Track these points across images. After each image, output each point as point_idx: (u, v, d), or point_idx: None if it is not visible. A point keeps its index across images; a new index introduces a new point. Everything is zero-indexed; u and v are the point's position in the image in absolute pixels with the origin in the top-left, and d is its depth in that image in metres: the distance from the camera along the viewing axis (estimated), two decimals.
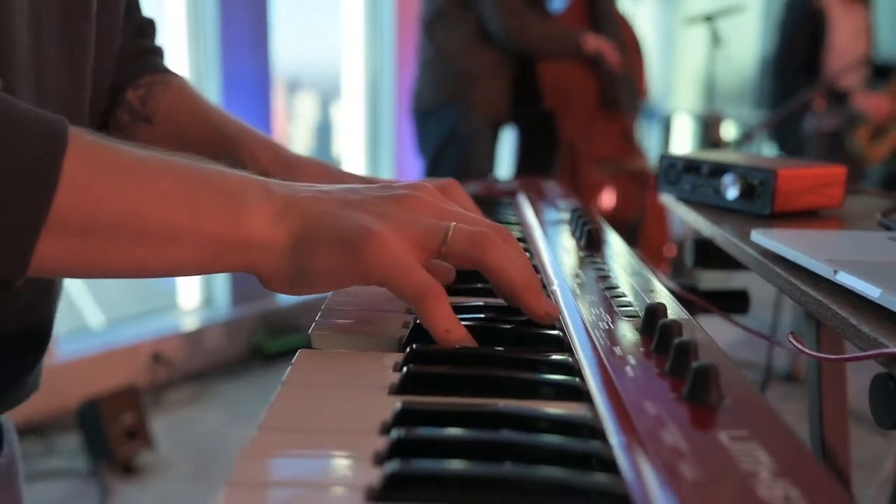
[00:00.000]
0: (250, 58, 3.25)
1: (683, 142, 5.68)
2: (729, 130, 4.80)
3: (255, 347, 3.22)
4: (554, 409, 0.40)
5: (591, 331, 0.48)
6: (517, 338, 0.48)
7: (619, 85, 2.86)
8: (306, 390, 0.42)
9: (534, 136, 2.97)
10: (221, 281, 3.29)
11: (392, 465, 0.32)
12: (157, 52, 0.80)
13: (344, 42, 4.05)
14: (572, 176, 2.87)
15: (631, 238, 2.81)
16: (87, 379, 2.62)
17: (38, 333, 0.63)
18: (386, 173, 4.11)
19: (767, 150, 4.18)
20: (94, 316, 3.26)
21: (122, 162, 0.46)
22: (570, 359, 0.45)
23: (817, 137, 3.03)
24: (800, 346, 0.52)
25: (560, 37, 2.76)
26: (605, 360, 0.43)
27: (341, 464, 0.34)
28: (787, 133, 3.36)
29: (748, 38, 5.55)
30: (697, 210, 0.88)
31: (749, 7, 5.18)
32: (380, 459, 0.33)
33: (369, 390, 0.42)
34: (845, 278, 0.54)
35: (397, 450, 0.34)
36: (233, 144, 0.72)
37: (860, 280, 0.52)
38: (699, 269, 0.90)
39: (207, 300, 3.36)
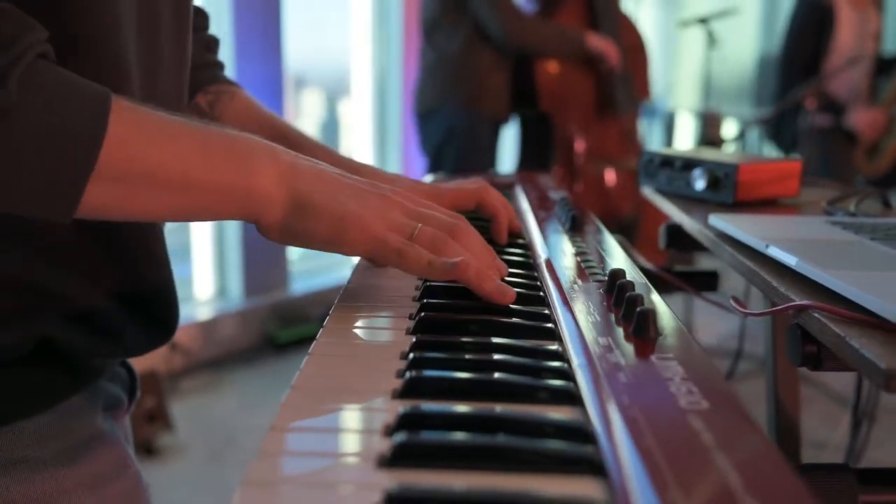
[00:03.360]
0: (262, 59, 3.37)
1: (685, 139, 5.79)
2: (730, 128, 4.91)
3: (267, 337, 3.34)
4: (535, 343, 0.52)
5: (566, 292, 0.61)
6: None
7: (618, 86, 2.96)
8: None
9: (533, 135, 3.07)
10: (235, 273, 3.42)
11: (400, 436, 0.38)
12: (221, 66, 0.92)
13: (352, 39, 4.16)
14: (570, 174, 2.98)
15: (629, 233, 2.91)
16: None
17: (166, 284, 0.73)
18: (393, 169, 4.23)
19: (765, 147, 4.28)
20: None
21: (154, 123, 0.55)
22: (546, 310, 0.58)
23: (808, 135, 3.13)
24: (736, 306, 0.65)
25: (561, 37, 2.85)
26: (574, 312, 0.56)
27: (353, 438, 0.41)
28: (783, 130, 3.46)
29: (747, 37, 5.66)
30: (671, 200, 1.01)
31: (745, 8, 5.29)
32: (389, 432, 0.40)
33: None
34: (773, 251, 0.66)
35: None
36: (295, 147, 0.83)
37: (783, 252, 0.65)
38: (672, 251, 1.02)
39: (221, 291, 3.49)
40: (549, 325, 0.55)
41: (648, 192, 1.08)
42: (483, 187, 0.79)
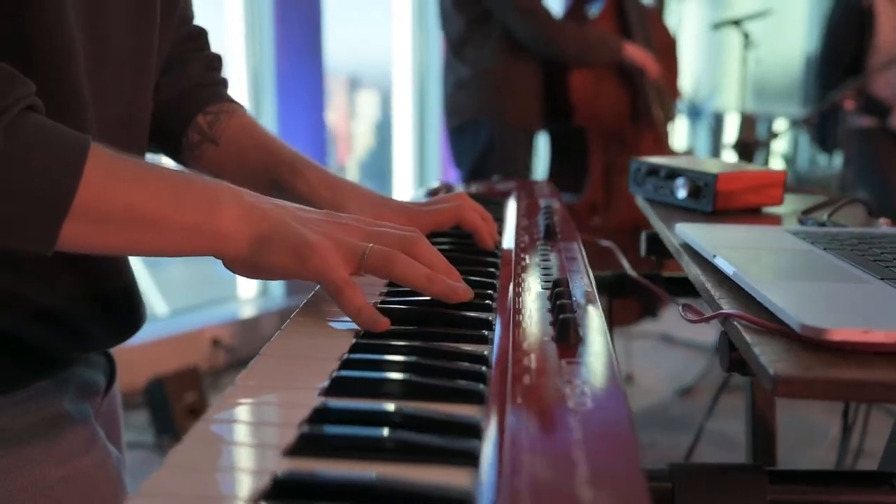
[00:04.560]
0: (304, 57, 3.46)
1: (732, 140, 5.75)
2: (778, 126, 4.85)
3: None
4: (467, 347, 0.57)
5: (512, 295, 0.65)
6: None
7: (653, 94, 2.95)
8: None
9: (566, 146, 3.08)
10: None
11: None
12: (224, 84, 0.97)
13: (394, 40, 4.23)
14: (605, 185, 2.98)
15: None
16: (154, 361, 2.87)
17: (125, 285, 0.81)
18: (433, 171, 4.29)
19: (810, 147, 4.23)
20: (158, 305, 3.53)
21: (129, 170, 0.61)
22: (490, 316, 0.62)
23: (850, 137, 3.09)
24: (684, 314, 0.68)
25: (599, 43, 2.81)
26: (509, 314, 0.60)
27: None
28: (826, 132, 3.42)
29: (795, 36, 5.59)
30: (656, 208, 1.04)
31: (793, 7, 5.22)
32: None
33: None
34: (718, 261, 0.70)
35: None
36: (286, 166, 0.87)
37: (725, 262, 0.68)
38: (653, 259, 1.05)
39: (264, 291, 3.60)
40: (485, 331, 0.60)
41: (639, 199, 1.11)
42: (459, 206, 0.84)
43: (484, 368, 0.52)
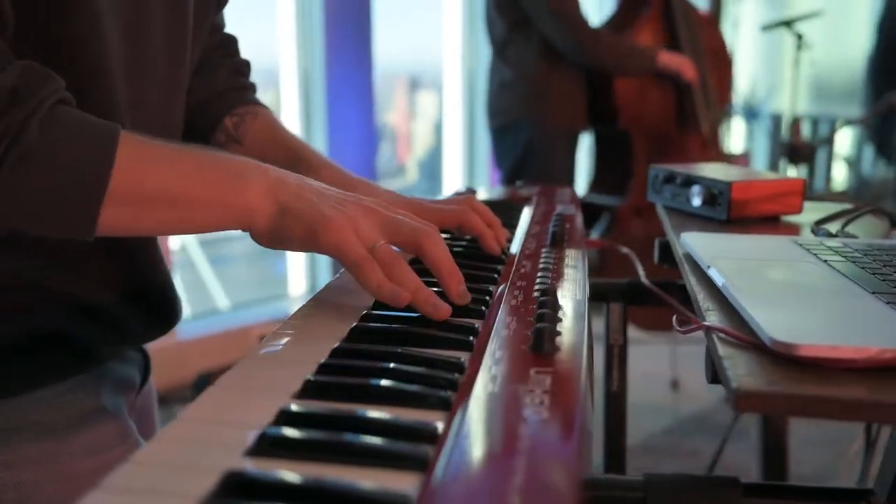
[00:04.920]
0: (354, 59, 3.50)
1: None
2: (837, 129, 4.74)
3: None
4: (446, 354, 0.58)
5: (505, 299, 0.66)
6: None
7: (698, 99, 2.93)
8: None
9: (611, 148, 3.07)
10: (325, 271, 3.58)
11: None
12: (251, 88, 1.01)
13: (445, 40, 4.26)
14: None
15: None
16: (203, 357, 2.94)
17: (163, 283, 0.85)
18: (482, 170, 4.30)
19: (868, 150, 4.12)
20: (221, 300, 3.64)
21: (158, 152, 0.65)
22: (477, 324, 0.64)
23: None
24: (675, 324, 0.69)
25: (632, 53, 2.82)
26: (494, 322, 0.62)
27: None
28: (884, 135, 3.35)
29: (857, 36, 5.44)
30: (673, 216, 1.04)
31: (857, 7, 5.09)
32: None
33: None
34: (711, 272, 0.70)
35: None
36: (304, 164, 0.90)
37: (716, 273, 0.68)
38: (666, 266, 1.05)
39: (312, 288, 3.66)
40: (471, 337, 0.61)
41: (658, 207, 1.11)
42: (464, 210, 0.85)
43: (457, 375, 0.54)
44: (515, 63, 2.79)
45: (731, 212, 0.98)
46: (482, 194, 1.25)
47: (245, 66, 1.02)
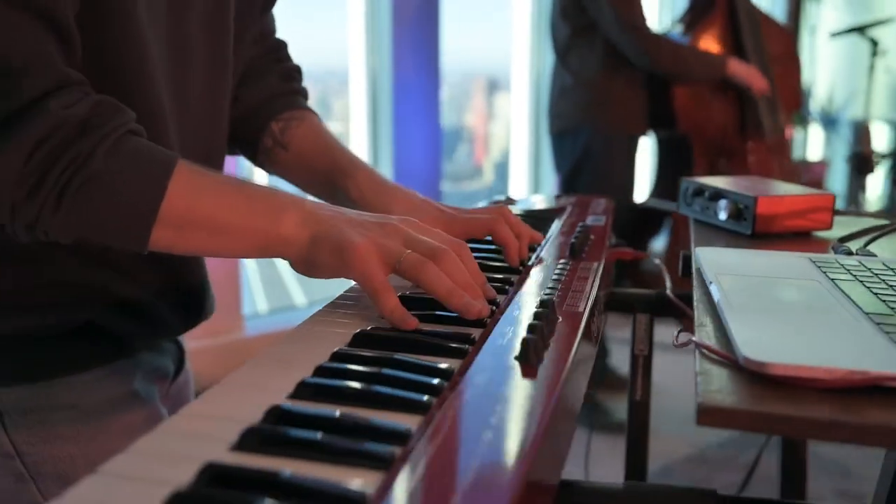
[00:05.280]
0: (421, 62, 3.56)
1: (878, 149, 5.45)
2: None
3: None
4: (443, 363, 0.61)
5: (510, 309, 0.69)
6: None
7: (762, 106, 2.89)
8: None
9: (671, 154, 3.05)
10: None
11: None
12: (300, 93, 1.06)
13: (514, 43, 4.29)
14: None
15: None
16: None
17: (198, 281, 0.92)
18: (547, 172, 4.31)
19: None
20: (298, 297, 3.76)
21: (207, 183, 0.72)
22: (473, 333, 0.67)
23: None
24: (674, 339, 0.70)
25: (700, 62, 2.81)
26: (489, 331, 0.65)
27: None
28: None
29: None
30: (700, 229, 1.05)
31: None
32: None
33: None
34: (711, 287, 0.71)
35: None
36: (340, 170, 0.96)
37: (716, 289, 0.70)
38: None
39: None
40: (465, 346, 0.64)
41: (690, 219, 1.12)
42: (495, 219, 0.88)
43: (438, 381, 0.57)
44: (576, 69, 2.81)
45: (756, 226, 0.98)
46: (520, 204, 1.28)
47: (295, 72, 1.07)
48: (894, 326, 0.61)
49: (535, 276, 0.83)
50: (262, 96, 1.01)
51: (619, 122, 2.83)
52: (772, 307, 0.67)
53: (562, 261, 0.88)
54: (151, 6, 0.77)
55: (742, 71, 2.81)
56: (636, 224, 3.05)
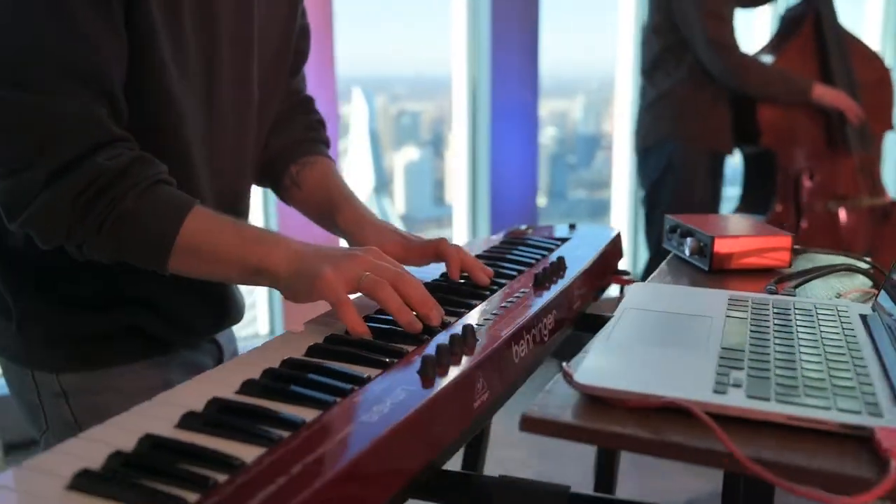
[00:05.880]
0: (520, 79, 3.71)
1: None
2: None
3: None
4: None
5: (449, 330, 0.85)
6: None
7: (850, 131, 2.87)
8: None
9: (757, 170, 3.07)
10: None
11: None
12: (320, 141, 1.26)
13: (618, 52, 4.37)
14: (794, 211, 2.94)
15: None
16: None
17: (224, 293, 1.13)
18: None
19: None
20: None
21: (215, 225, 0.91)
22: (409, 348, 0.83)
23: None
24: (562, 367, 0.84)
25: (786, 84, 2.83)
26: (425, 349, 0.81)
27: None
28: None
29: None
30: (673, 263, 1.16)
31: None
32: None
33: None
34: (612, 319, 0.84)
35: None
36: (334, 206, 1.16)
37: (616, 322, 0.83)
38: None
39: None
40: (389, 359, 0.80)
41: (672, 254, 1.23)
42: (441, 240, 1.07)
43: (348, 386, 0.73)
44: (662, 84, 2.89)
45: (713, 263, 1.09)
46: (538, 233, 1.42)
47: (318, 123, 1.27)
48: (732, 360, 0.73)
49: (490, 304, 0.98)
50: (285, 144, 1.21)
51: (702, 136, 2.88)
52: (643, 339, 0.80)
53: (523, 290, 1.03)
54: (187, 75, 0.97)
55: (829, 95, 2.81)
56: None
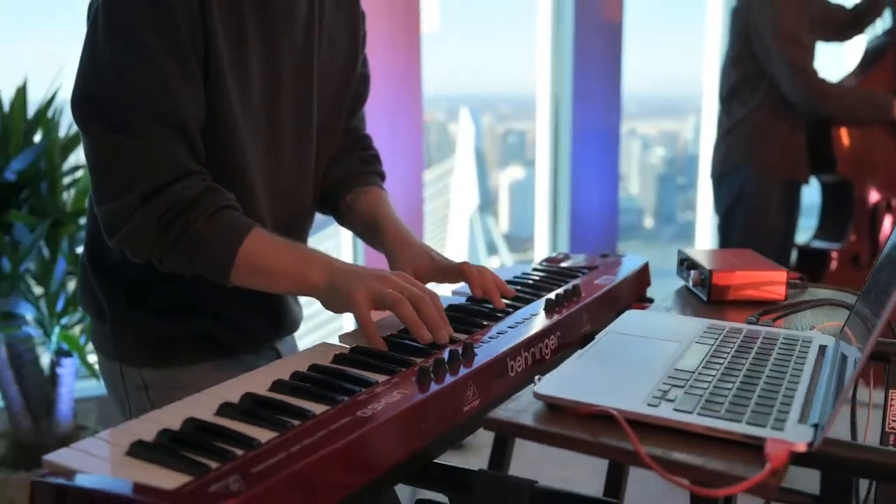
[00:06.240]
0: (601, 86, 3.81)
1: None
2: None
3: None
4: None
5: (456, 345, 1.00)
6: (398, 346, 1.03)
7: None
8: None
9: (833, 198, 3.08)
10: None
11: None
12: (374, 174, 1.45)
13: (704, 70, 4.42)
14: (869, 240, 2.95)
15: None
16: None
17: (281, 305, 1.32)
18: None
19: None
20: None
21: (270, 245, 1.10)
22: (419, 360, 0.99)
23: None
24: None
25: (863, 100, 2.85)
26: (423, 360, 0.96)
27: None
28: None
29: None
30: (681, 292, 1.28)
31: None
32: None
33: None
34: (593, 341, 0.98)
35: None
36: (379, 228, 1.34)
37: (595, 342, 0.96)
38: None
39: None
40: (399, 367, 0.96)
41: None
42: (464, 263, 1.23)
43: (357, 388, 0.89)
44: (736, 114, 2.95)
45: (711, 295, 1.20)
46: (569, 261, 1.56)
47: (372, 158, 1.45)
48: (677, 379, 0.85)
49: (500, 324, 1.12)
50: (343, 176, 1.39)
51: (776, 164, 2.92)
52: (608, 359, 0.93)
53: (533, 313, 1.17)
54: (251, 118, 1.16)
55: None
56: (798, 267, 3.11)
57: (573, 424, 0.79)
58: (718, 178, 3.06)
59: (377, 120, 3.30)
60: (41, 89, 2.51)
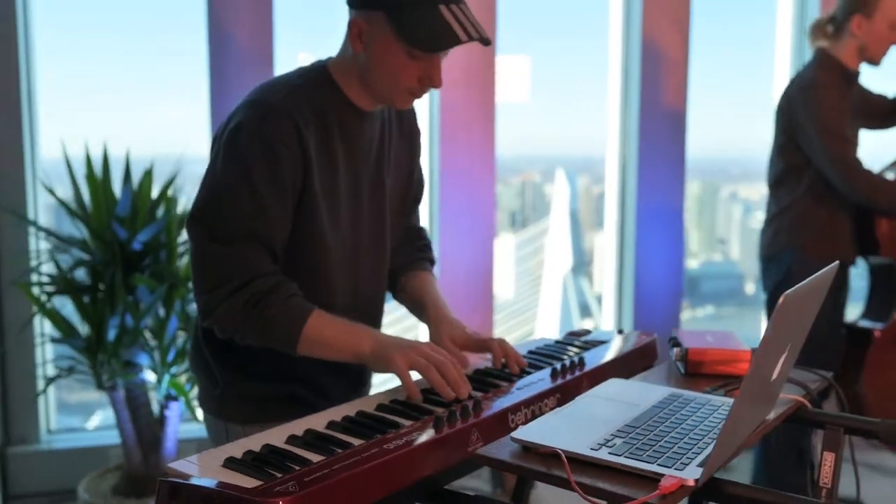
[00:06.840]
0: (666, 157, 4.05)
1: None
2: None
3: None
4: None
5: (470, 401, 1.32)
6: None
7: None
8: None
9: (881, 278, 3.24)
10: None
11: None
12: (425, 259, 1.79)
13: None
14: None
15: None
16: None
17: (357, 368, 1.64)
18: None
19: None
20: None
21: (327, 324, 1.44)
22: (442, 412, 1.30)
23: None
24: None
25: None
26: (443, 413, 1.28)
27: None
28: None
29: None
30: (669, 365, 1.56)
31: None
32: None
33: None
34: (576, 399, 1.27)
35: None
36: (424, 307, 1.67)
37: (571, 404, 1.26)
38: None
39: None
40: (422, 416, 1.28)
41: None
42: (490, 338, 1.55)
43: (389, 429, 1.21)
44: (783, 201, 3.14)
45: (688, 368, 1.48)
46: (593, 335, 1.85)
47: (424, 247, 1.80)
48: (623, 431, 1.14)
49: (512, 386, 1.43)
50: (400, 262, 1.74)
51: (821, 247, 3.09)
52: (578, 415, 1.22)
53: (540, 378, 1.47)
54: (339, 229, 1.51)
55: None
56: (846, 345, 3.26)
57: (536, 460, 1.08)
58: (766, 259, 3.25)
59: (452, 188, 3.66)
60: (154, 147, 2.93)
